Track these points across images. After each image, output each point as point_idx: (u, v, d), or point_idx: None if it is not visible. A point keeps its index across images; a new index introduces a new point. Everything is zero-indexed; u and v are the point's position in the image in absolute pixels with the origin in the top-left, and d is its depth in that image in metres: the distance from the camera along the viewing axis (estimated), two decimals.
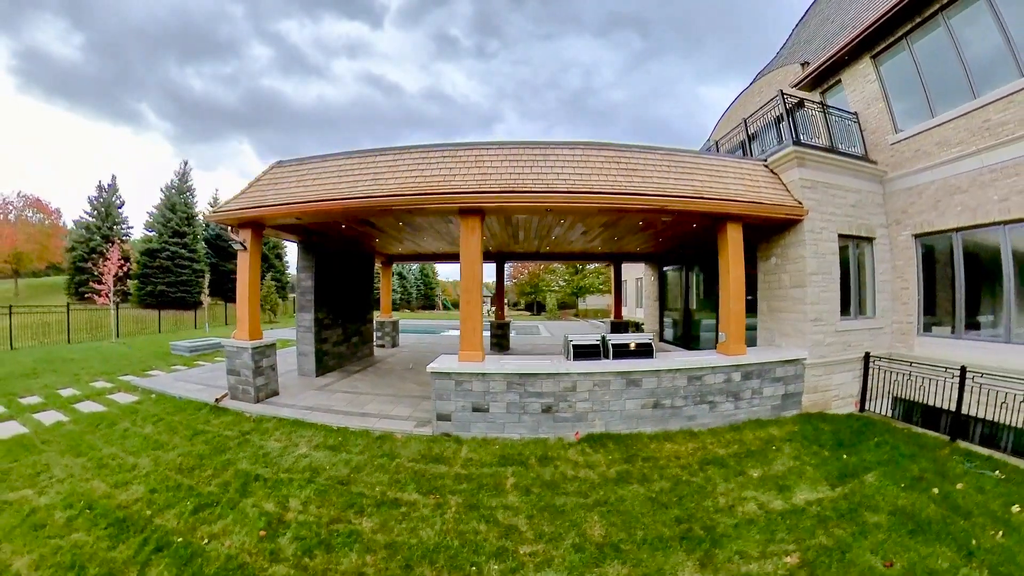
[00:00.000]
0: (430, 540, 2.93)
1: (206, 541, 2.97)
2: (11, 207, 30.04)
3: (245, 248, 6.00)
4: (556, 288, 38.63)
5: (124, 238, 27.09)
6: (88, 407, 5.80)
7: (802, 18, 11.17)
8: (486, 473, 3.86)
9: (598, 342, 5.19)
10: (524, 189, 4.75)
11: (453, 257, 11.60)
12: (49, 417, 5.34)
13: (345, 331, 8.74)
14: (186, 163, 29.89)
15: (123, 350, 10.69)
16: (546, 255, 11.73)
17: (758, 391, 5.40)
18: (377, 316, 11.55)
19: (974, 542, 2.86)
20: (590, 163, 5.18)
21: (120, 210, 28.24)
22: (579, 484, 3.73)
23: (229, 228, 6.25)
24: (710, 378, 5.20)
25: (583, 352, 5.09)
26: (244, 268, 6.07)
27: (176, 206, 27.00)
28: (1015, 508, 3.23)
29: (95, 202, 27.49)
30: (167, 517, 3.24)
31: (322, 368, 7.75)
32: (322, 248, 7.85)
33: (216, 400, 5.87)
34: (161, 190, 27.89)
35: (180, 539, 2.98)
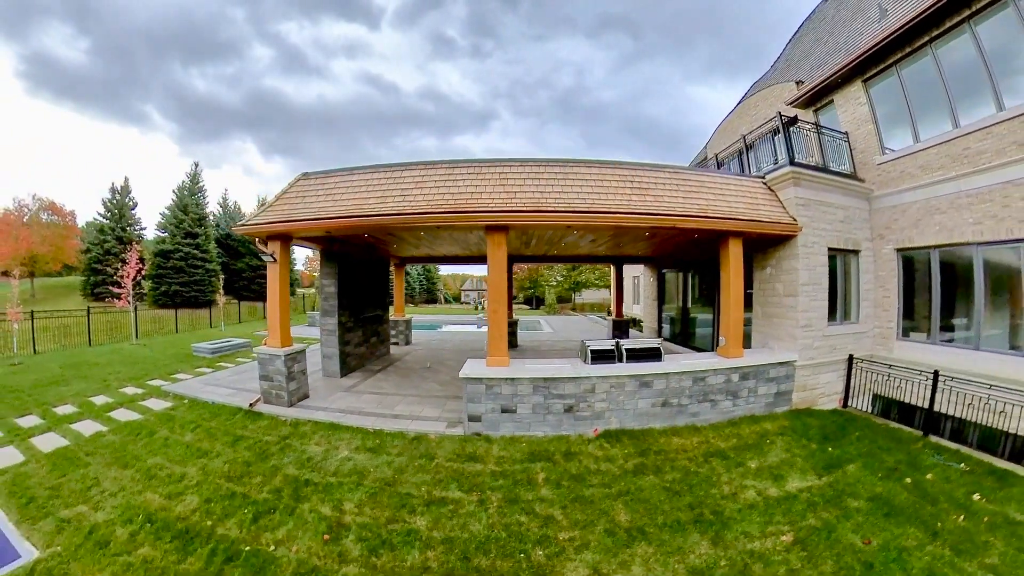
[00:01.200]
0: (480, 533, 3.24)
1: (273, 548, 3.01)
2: (27, 210, 29.59)
3: (275, 260, 6.13)
4: (554, 283, 39.07)
5: (138, 238, 27.01)
6: (123, 415, 5.78)
7: (795, 34, 11.46)
8: (518, 469, 4.22)
9: (612, 347, 5.58)
10: (548, 208, 5.06)
11: (464, 260, 11.88)
12: (87, 427, 5.28)
13: (365, 332, 9.03)
14: (196, 165, 29.82)
15: (145, 352, 10.71)
16: (553, 258, 12.07)
17: (753, 390, 5.85)
18: (391, 315, 11.82)
19: (939, 524, 3.29)
20: (606, 182, 5.50)
21: (133, 211, 28.09)
22: (602, 476, 4.13)
23: (257, 240, 6.33)
24: (712, 379, 5.63)
25: (600, 356, 5.48)
26: (274, 279, 6.23)
27: (188, 207, 27.01)
28: (976, 496, 3.66)
29: (109, 204, 27.37)
30: (228, 526, 3.25)
31: (346, 369, 8.03)
32: (343, 255, 8.07)
33: (250, 405, 6.00)
34: (173, 192, 27.88)
35: (247, 548, 3.00)
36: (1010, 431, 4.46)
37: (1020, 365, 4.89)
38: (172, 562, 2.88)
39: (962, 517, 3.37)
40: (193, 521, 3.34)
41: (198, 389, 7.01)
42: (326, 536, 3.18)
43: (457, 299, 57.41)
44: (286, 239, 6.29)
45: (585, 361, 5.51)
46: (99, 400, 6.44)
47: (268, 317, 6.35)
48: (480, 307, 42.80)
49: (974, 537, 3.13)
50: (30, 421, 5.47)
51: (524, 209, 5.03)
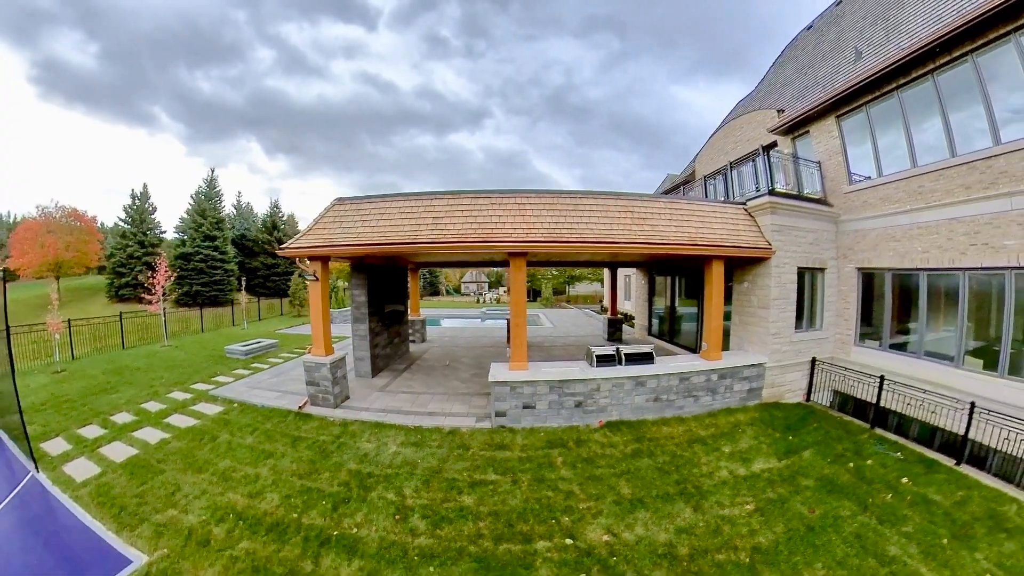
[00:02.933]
0: (518, 506, 3.96)
1: (355, 531, 3.39)
2: (51, 217, 29.56)
3: (317, 279, 6.59)
4: (550, 276, 39.71)
5: (158, 240, 27.38)
6: (181, 421, 5.89)
7: (778, 58, 11.97)
8: (540, 455, 4.97)
9: (614, 352, 6.33)
10: (562, 239, 5.71)
11: (474, 264, 12.48)
12: (150, 435, 5.37)
13: (390, 335, 9.67)
14: (213, 170, 30.04)
15: (179, 355, 10.76)
16: (555, 263, 12.70)
17: (730, 387, 6.64)
18: (408, 315, 12.41)
19: (870, 500, 4.02)
20: (610, 213, 6.14)
21: (153, 216, 28.30)
22: (607, 459, 4.90)
23: (298, 260, 6.68)
24: (695, 379, 6.41)
25: (603, 360, 6.25)
26: (316, 295, 6.70)
27: (206, 211, 27.42)
28: (904, 480, 4.33)
29: (130, 210, 27.68)
30: (312, 517, 3.56)
31: (375, 369, 8.63)
32: (370, 267, 8.62)
33: (299, 407, 6.38)
34: (191, 197, 28.13)
35: (335, 532, 3.34)
36: (940, 427, 5.08)
37: (951, 374, 5.64)
38: (273, 551, 3.17)
39: (890, 496, 4.05)
40: (279, 515, 3.61)
41: (244, 393, 7.20)
42: (396, 517, 3.69)
43: (458, 290, 58.02)
44: (325, 259, 6.74)
45: (591, 364, 6.26)
46: (152, 407, 6.52)
47: (312, 328, 6.84)
48: (481, 299, 43.42)
49: (897, 511, 3.82)
50: (93, 431, 5.51)
51: (543, 239, 5.67)
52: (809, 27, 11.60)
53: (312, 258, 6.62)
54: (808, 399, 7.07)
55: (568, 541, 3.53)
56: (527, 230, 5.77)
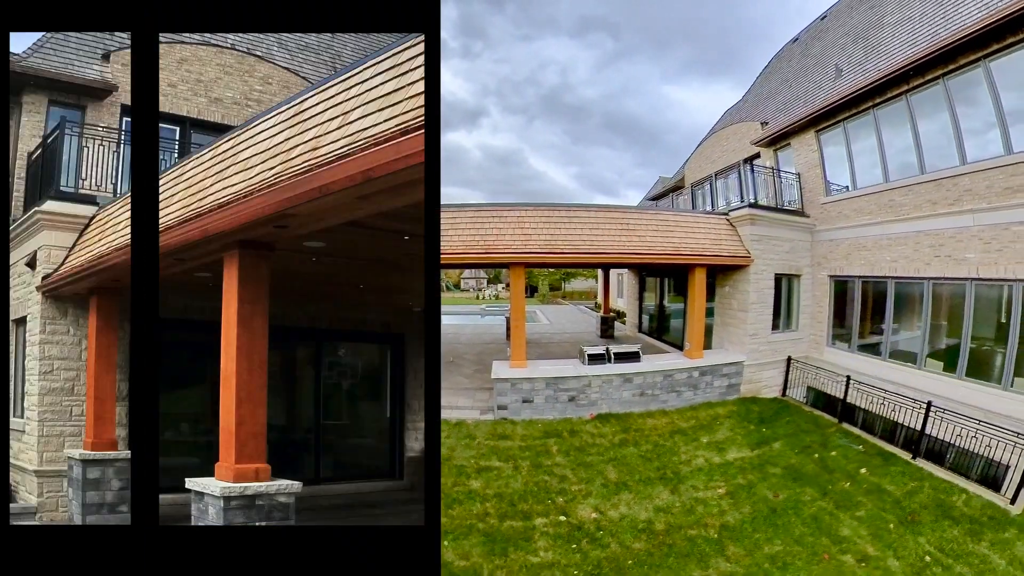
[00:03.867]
0: (519, 488, 4.32)
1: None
2: None
3: None
4: (547, 274, 39.90)
5: None
6: None
7: (765, 68, 12.14)
8: (538, 444, 5.34)
9: (604, 352, 6.68)
10: (558, 250, 6.06)
11: (473, 265, 12.76)
12: None
13: None
14: None
15: None
16: (552, 264, 13.01)
17: (710, 383, 6.98)
18: None
19: (830, 487, 4.30)
20: (602, 225, 6.45)
21: None
22: (597, 448, 5.27)
23: None
24: (678, 375, 6.78)
25: (595, 358, 6.61)
26: None
27: None
28: (863, 470, 4.55)
29: None
30: None
31: None
32: None
33: None
34: None
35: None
36: (901, 423, 5.15)
37: (914, 374, 5.91)
38: None
39: (848, 484, 4.30)
40: None
41: None
42: None
43: (457, 286, 58.30)
44: None
45: (583, 363, 6.63)
46: None
47: None
48: (480, 295, 43.76)
49: (852, 498, 4.07)
50: None
51: (540, 251, 6.03)
52: (795, 40, 11.76)
53: None
54: (784, 395, 7.41)
55: (562, 518, 3.89)
56: (525, 243, 6.08)
